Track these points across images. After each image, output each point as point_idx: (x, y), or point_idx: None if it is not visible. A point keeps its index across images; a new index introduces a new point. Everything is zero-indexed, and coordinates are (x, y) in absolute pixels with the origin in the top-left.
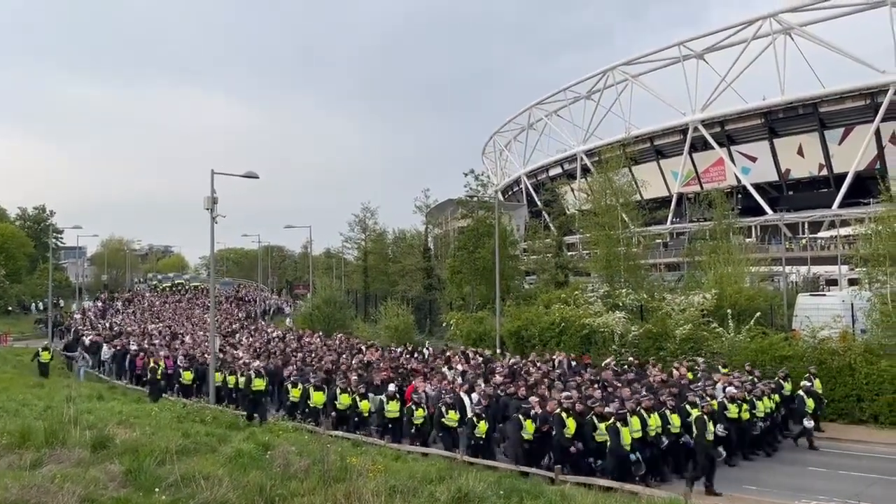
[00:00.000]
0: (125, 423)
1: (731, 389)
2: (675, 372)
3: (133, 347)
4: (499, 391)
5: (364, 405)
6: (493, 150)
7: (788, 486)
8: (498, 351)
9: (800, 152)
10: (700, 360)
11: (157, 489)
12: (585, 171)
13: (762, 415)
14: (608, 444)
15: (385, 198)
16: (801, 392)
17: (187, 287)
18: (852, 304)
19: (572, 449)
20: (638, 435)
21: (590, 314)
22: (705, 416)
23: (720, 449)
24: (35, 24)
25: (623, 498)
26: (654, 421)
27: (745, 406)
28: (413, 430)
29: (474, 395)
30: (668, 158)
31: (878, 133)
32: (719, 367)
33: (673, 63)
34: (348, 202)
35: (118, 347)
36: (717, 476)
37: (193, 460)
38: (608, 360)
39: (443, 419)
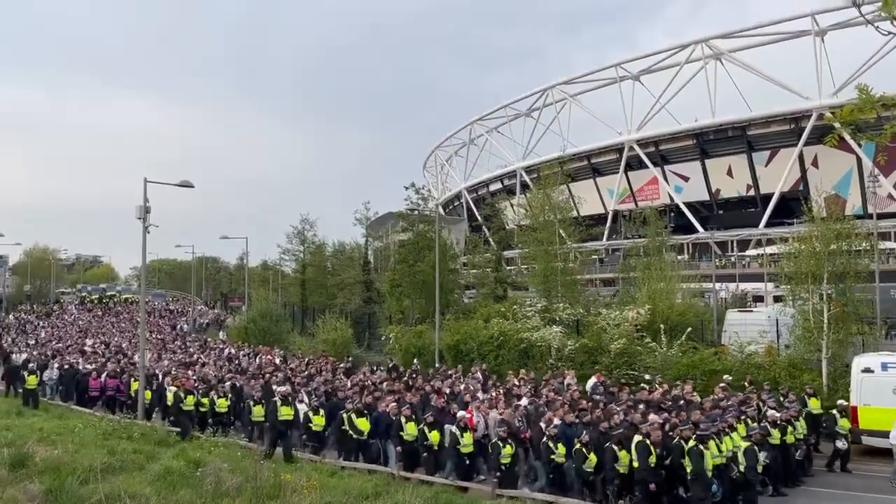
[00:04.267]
0: (46, 440)
1: (773, 413)
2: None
3: (88, 366)
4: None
5: (434, 436)
6: (435, 164)
7: None
8: (437, 365)
9: (729, 173)
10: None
11: None
12: (525, 187)
13: (801, 437)
14: (689, 470)
15: (325, 210)
16: (834, 411)
17: (118, 299)
18: (777, 320)
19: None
20: (720, 460)
21: (528, 328)
22: (755, 447)
23: (765, 479)
24: None
25: None
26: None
27: (788, 429)
28: (501, 470)
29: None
30: (604, 176)
31: (801, 156)
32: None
33: (610, 84)
34: (287, 214)
35: (65, 367)
36: None
37: (119, 479)
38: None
39: (553, 456)
